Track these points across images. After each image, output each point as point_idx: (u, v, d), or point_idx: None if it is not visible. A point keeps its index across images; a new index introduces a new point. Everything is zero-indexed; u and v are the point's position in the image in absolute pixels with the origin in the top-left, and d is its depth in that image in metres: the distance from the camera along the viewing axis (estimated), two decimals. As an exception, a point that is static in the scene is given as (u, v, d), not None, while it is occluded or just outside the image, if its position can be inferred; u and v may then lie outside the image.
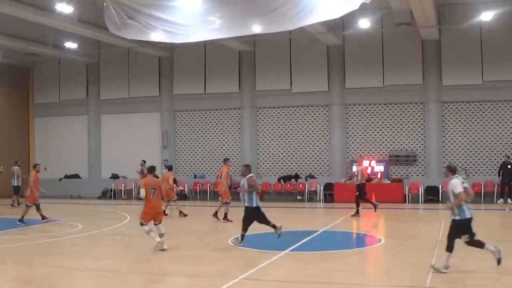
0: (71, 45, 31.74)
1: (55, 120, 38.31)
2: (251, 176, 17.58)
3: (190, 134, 34.87)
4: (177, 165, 34.78)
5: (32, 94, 39.20)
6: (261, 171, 33.07)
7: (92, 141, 37.23)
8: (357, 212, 23.61)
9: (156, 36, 21.36)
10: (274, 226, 16.99)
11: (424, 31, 28.22)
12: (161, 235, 16.16)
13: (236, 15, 19.19)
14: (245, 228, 16.98)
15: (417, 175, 30.53)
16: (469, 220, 12.54)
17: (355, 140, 31.70)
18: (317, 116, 32.33)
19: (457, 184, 12.53)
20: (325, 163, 32.28)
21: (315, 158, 32.17)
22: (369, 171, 30.24)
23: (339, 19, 18.16)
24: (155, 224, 16.27)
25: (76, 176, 36.73)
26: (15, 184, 30.07)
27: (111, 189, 35.16)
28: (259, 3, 18.66)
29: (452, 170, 12.89)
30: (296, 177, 32.21)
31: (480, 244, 12.55)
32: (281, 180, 32.45)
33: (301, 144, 32.59)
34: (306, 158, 32.43)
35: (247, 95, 33.24)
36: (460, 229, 12.55)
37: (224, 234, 19.23)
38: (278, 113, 33.04)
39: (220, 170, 24.00)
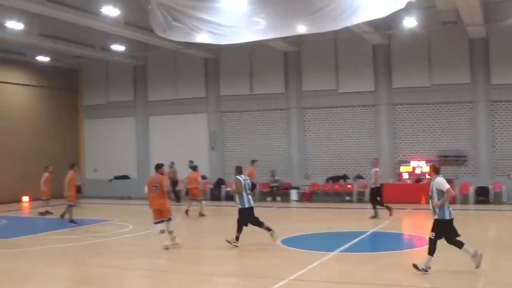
0: (118, 47, 32.06)
1: (103, 122, 38.76)
2: (237, 178, 17.38)
3: (237, 135, 34.92)
4: (225, 166, 34.87)
5: (81, 96, 39.73)
6: (309, 171, 32.95)
7: (140, 142, 37.57)
8: (376, 214, 23.25)
9: (202, 37, 21.45)
10: (268, 229, 17.15)
11: (471, 29, 27.78)
12: (169, 232, 16.58)
13: (281, 16, 19.16)
14: (239, 229, 17.01)
15: (467, 175, 30.07)
16: (449, 221, 12.64)
17: (403, 140, 31.33)
18: (364, 116, 32.07)
19: (443, 182, 12.69)
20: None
21: (363, 158, 31.87)
22: (418, 171, 30.07)
23: (384, 18, 17.96)
24: (159, 222, 16.67)
25: (126, 177, 37.05)
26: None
27: (179, 190, 35.33)
28: (303, 4, 18.60)
29: (436, 170, 12.98)
30: (345, 177, 31.97)
31: (459, 245, 12.60)
32: (329, 180, 32.26)
33: (348, 144, 32.33)
34: (354, 159, 32.15)
35: (293, 95, 33.14)
36: (440, 229, 12.63)
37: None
38: (325, 113, 32.85)
39: (247, 170, 23.98)
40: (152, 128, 37.37)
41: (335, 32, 23.22)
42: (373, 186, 23.38)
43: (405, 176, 30.36)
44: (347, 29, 22.05)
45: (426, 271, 12.50)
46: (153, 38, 27.56)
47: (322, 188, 32.13)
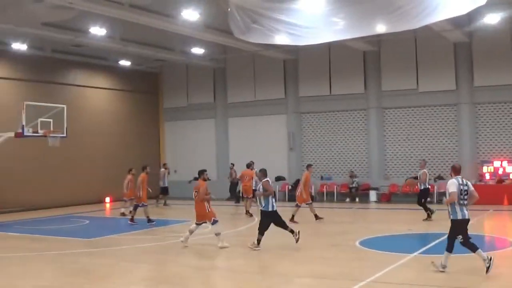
0: (198, 50, 32.49)
1: (184, 124, 39.30)
2: (266, 180, 17.49)
3: (316, 135, 34.84)
4: (303, 168, 34.74)
5: (162, 99, 40.41)
6: (388, 172, 32.61)
7: (219, 144, 37.94)
8: (429, 216, 22.78)
9: (280, 39, 21.49)
10: (292, 231, 17.09)
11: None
12: (216, 234, 17.40)
13: (360, 16, 19.04)
14: (261, 232, 17.03)
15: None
16: (462, 221, 12.91)
17: (485, 140, 30.59)
18: (445, 116, 31.48)
19: (453, 184, 13.05)
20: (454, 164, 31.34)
21: (443, 159, 31.33)
22: (500, 172, 29.35)
23: (465, 15, 17.66)
24: (197, 224, 17.63)
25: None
26: (163, 185, 32.23)
27: (239, 191, 35.58)
28: (382, 3, 18.44)
29: (456, 171, 13.40)
30: (425, 178, 31.51)
31: (473, 248, 12.81)
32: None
33: (428, 144, 31.80)
34: (434, 159, 31.58)
35: (372, 95, 32.83)
36: (454, 229, 13.03)
37: (351, 236, 19.07)
38: (405, 113, 32.41)
39: (303, 175, 24.24)
40: (232, 130, 37.69)
41: (415, 31, 22.90)
42: (422, 187, 23.15)
43: (487, 176, 29.68)
44: (426, 27, 21.73)
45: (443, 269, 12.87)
46: (232, 41, 27.78)
47: (401, 189, 31.71)
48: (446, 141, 31.39)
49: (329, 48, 32.37)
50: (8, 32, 27.31)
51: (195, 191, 17.64)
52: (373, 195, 31.83)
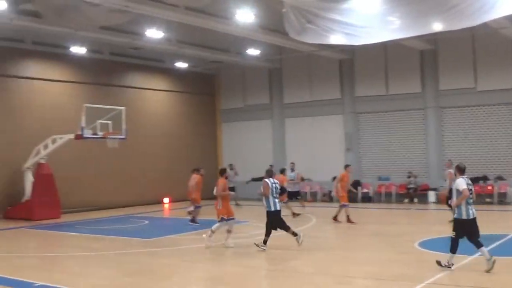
0: (253, 51, 32.57)
1: (240, 124, 39.47)
2: (265, 181, 17.54)
3: (373, 136, 34.58)
4: (361, 167, 34.66)
5: (219, 100, 40.66)
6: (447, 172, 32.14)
7: (276, 145, 37.96)
8: None
9: (336, 39, 21.45)
10: (294, 234, 17.02)
11: None
12: (228, 232, 17.93)
13: (416, 14, 18.90)
14: (268, 233, 17.06)
15: None
16: (467, 220, 13.19)
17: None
18: (504, 115, 30.84)
19: (461, 182, 13.24)
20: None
21: (504, 158, 30.76)
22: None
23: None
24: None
25: (262, 179, 37.39)
26: (230, 185, 32.03)
27: (298, 191, 35.49)
28: (438, 1, 18.27)
29: (460, 170, 13.57)
30: (484, 178, 30.91)
31: (478, 245, 13.13)
32: (468, 181, 31.32)
33: (487, 144, 31.20)
34: (493, 159, 31.04)
35: (430, 95, 32.39)
36: (459, 228, 13.28)
37: (410, 237, 18.89)
38: (463, 112, 31.85)
39: (340, 175, 24.24)
40: (288, 131, 37.68)
41: (472, 29, 22.59)
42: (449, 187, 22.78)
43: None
44: (484, 25, 21.33)
45: (450, 267, 13.12)
46: (287, 41, 27.79)
47: (461, 189, 31.15)
48: (506, 141, 30.75)
49: (385, 47, 32.08)
50: (67, 36, 27.91)
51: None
52: (431, 196, 31.40)
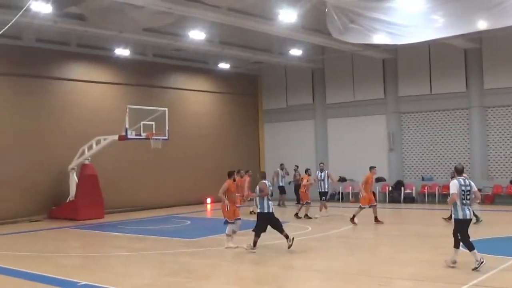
0: (296, 52, 32.53)
1: (283, 125, 39.47)
2: (263, 182, 17.42)
3: (417, 136, 34.25)
4: (404, 168, 34.40)
5: (261, 100, 40.70)
6: (491, 173, 31.71)
7: (319, 145, 37.87)
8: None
9: (379, 38, 21.34)
10: (286, 236, 16.97)
11: None
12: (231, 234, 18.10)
13: (460, 12, 18.69)
14: (257, 234, 17.03)
15: None
16: (463, 220, 13.69)
17: None
18: (553, 114, 30.44)
19: (454, 185, 13.70)
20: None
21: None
22: None
23: None
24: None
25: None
26: (280, 184, 32.85)
27: (339, 192, 35.46)
28: (481, -1, 18.07)
29: (457, 171, 14.13)
30: (531, 178, 30.50)
31: (470, 247, 13.55)
32: (514, 182, 30.93)
33: (535, 143, 30.82)
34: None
35: (475, 94, 31.93)
36: (456, 227, 13.87)
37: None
38: (509, 112, 31.37)
39: (364, 177, 23.98)
40: (331, 131, 37.55)
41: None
42: None
43: None
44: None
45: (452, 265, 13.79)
46: (330, 41, 27.75)
47: (505, 190, 30.73)
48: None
49: (429, 46, 31.78)
50: (111, 38, 28.25)
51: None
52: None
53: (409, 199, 32.78)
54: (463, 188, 13.66)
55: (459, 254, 13.77)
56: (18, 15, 17.39)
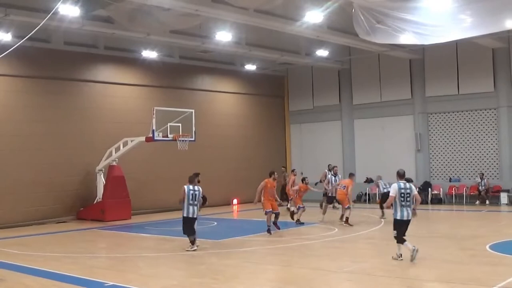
0: (322, 52, 32.47)
1: (309, 126, 39.44)
2: (183, 186, 18.17)
3: (444, 136, 34.00)
4: (431, 169, 34.18)
5: (288, 101, 40.68)
6: (520, 173, 31.47)
7: (346, 146, 37.77)
8: None
9: (406, 38, 21.26)
10: (193, 242, 17.82)
11: None
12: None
13: (488, 12, 18.56)
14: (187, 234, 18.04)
15: None
16: (400, 221, 14.98)
17: None
18: None
19: (393, 188, 15.19)
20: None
21: None
22: None
23: None
24: None
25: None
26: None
27: (366, 193, 35.36)
28: (510, -2, 17.92)
29: (399, 175, 15.43)
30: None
31: (400, 241, 15.02)
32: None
33: None
34: None
35: (503, 94, 31.63)
36: (394, 225, 15.13)
37: (481, 239, 18.53)
38: (539, 111, 31.15)
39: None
40: (358, 132, 37.43)
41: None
42: None
43: None
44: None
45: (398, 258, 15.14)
46: (356, 42, 27.69)
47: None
48: None
49: (456, 46, 31.55)
50: (139, 40, 28.45)
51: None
52: (504, 198, 30.63)
53: (437, 200, 32.59)
54: (402, 191, 14.98)
55: (402, 248, 15.04)
56: (46, 18, 17.52)
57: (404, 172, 15.58)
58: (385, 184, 25.21)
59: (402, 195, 14.89)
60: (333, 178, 26.57)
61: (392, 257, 15.20)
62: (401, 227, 14.99)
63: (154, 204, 31.12)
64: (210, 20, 25.39)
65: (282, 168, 33.83)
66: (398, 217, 15.00)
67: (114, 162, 28.08)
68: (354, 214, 26.30)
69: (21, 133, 26.83)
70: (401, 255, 15.05)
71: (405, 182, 15.15)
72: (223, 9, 23.12)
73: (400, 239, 14.94)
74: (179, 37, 28.30)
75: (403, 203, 14.90)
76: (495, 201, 30.85)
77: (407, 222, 15.04)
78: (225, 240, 20.41)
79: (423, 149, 34.29)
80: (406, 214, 14.95)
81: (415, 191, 15.18)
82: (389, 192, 15.58)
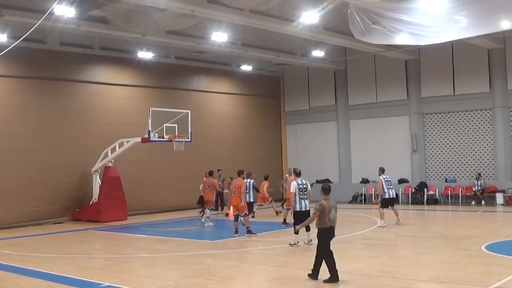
0: (318, 53, 32.46)
1: (305, 126, 39.46)
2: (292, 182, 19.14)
3: (440, 137, 34.04)
4: (427, 169, 34.21)
5: (283, 102, 40.68)
6: (516, 174, 31.53)
7: (341, 146, 37.79)
8: None
9: (402, 39, 21.27)
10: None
11: None
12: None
13: (483, 12, 18.58)
14: None
15: None
16: (299, 211, 17.79)
17: None
18: None
19: (293, 185, 18.23)
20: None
21: None
22: None
23: None
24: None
25: (327, 181, 37.20)
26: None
27: (362, 194, 35.39)
28: (506, -2, 17.94)
29: (296, 173, 18.73)
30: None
31: (296, 231, 17.57)
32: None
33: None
34: None
35: (498, 94, 31.66)
36: (295, 216, 17.99)
37: (477, 240, 18.56)
38: (534, 112, 31.20)
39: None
40: (353, 132, 37.46)
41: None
42: None
43: None
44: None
45: (296, 244, 17.84)
46: (352, 42, 27.72)
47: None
48: None
49: (452, 46, 31.60)
50: (135, 41, 28.46)
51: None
52: (499, 198, 30.68)
53: (432, 201, 32.61)
54: (300, 186, 18.04)
55: (308, 235, 17.89)
56: (41, 19, 17.50)
57: (300, 171, 19.02)
58: (388, 183, 23.83)
59: (300, 189, 18.05)
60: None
61: (291, 243, 17.94)
62: (300, 217, 17.24)
63: (150, 204, 31.12)
64: (206, 21, 25.41)
65: (219, 171, 32.08)
66: (298, 209, 17.91)
67: (110, 162, 28.07)
68: (351, 215, 26.36)
69: (16, 133, 26.80)
70: (298, 242, 17.84)
71: (302, 179, 18.36)
72: (219, 10, 23.09)
73: (297, 229, 16.95)
74: (175, 38, 28.27)
75: (301, 196, 18.01)
76: (491, 201, 30.89)
77: (307, 212, 17.54)
78: (222, 241, 20.46)
79: (419, 150, 34.32)
80: (304, 205, 17.95)
81: (309, 187, 18.44)
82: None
